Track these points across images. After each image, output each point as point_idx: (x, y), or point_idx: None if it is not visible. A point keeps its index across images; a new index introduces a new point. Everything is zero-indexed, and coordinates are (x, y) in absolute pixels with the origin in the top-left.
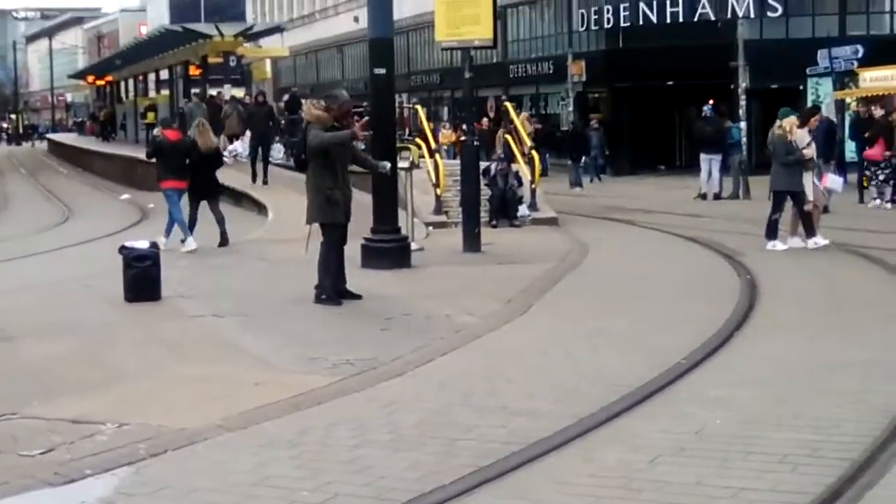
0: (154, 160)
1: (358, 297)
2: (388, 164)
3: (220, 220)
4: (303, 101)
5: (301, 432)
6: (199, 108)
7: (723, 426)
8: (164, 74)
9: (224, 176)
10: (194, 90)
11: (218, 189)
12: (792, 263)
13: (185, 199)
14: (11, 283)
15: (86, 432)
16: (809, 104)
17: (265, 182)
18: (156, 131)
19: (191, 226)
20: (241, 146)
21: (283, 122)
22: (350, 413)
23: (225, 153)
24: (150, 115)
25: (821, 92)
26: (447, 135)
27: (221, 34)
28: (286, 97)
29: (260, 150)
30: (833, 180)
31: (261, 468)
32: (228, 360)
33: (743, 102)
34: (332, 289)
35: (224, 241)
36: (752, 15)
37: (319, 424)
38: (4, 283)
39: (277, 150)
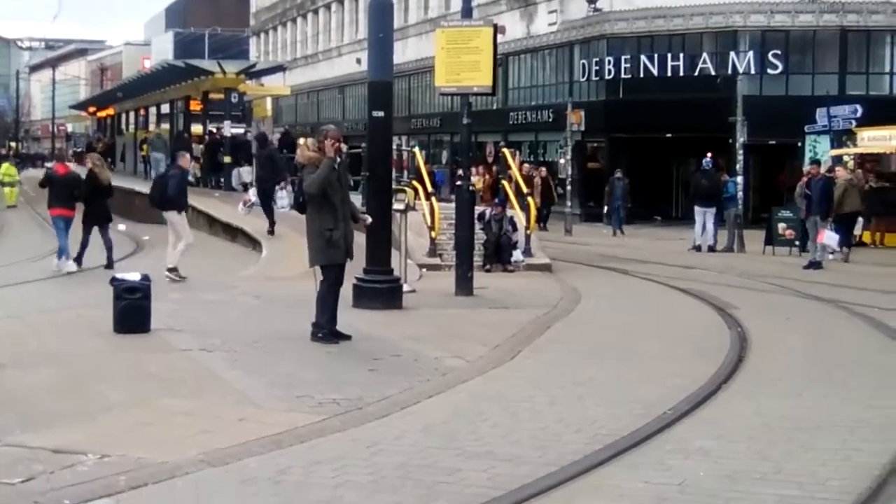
0: (46, 189)
1: (347, 337)
2: (369, 218)
3: (109, 247)
4: (297, 140)
5: (282, 470)
6: (160, 140)
7: (706, 479)
8: (166, 108)
9: (219, 211)
10: (161, 126)
11: (108, 218)
12: (783, 318)
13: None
14: (1, 311)
15: (66, 462)
16: (807, 161)
17: (271, 232)
18: (48, 164)
19: (82, 248)
20: (254, 194)
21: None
22: (332, 452)
23: (240, 204)
24: (146, 148)
25: (819, 149)
26: (477, 181)
27: (224, 71)
28: (277, 135)
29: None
30: (829, 237)
31: None
32: (213, 395)
33: (740, 157)
34: (327, 326)
35: (110, 265)
36: (753, 71)
37: (301, 463)
38: None
39: (282, 199)
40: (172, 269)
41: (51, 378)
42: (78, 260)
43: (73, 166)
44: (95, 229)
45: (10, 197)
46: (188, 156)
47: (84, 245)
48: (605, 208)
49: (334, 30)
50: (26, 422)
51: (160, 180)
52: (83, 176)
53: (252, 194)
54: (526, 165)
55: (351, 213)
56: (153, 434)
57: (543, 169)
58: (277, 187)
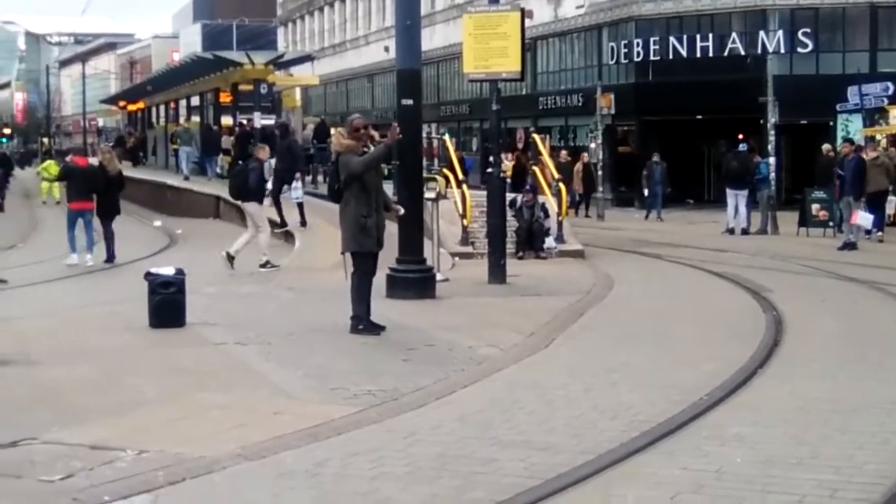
0: (64, 182)
1: (381, 328)
2: (401, 209)
3: (110, 238)
4: (332, 129)
5: (319, 463)
6: (187, 133)
7: (743, 465)
8: (195, 101)
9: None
10: (192, 119)
11: (117, 211)
12: (818, 300)
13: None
14: (37, 308)
15: (105, 458)
16: (839, 140)
17: (303, 223)
18: (68, 158)
19: (107, 241)
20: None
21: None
22: (368, 444)
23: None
24: (177, 141)
25: (850, 128)
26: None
27: (252, 62)
28: (310, 126)
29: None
30: (863, 217)
31: (278, 498)
32: (249, 389)
33: (772, 138)
34: (367, 318)
35: (110, 258)
36: (783, 50)
37: (338, 455)
38: (30, 307)
39: (296, 190)
40: (231, 258)
41: (87, 374)
42: (110, 257)
43: (91, 159)
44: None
45: (53, 192)
46: (267, 148)
47: (108, 237)
48: (646, 192)
49: (361, 18)
50: (64, 418)
51: (241, 172)
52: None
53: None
54: (563, 152)
55: (384, 203)
56: (190, 429)
57: (585, 154)
58: (294, 180)
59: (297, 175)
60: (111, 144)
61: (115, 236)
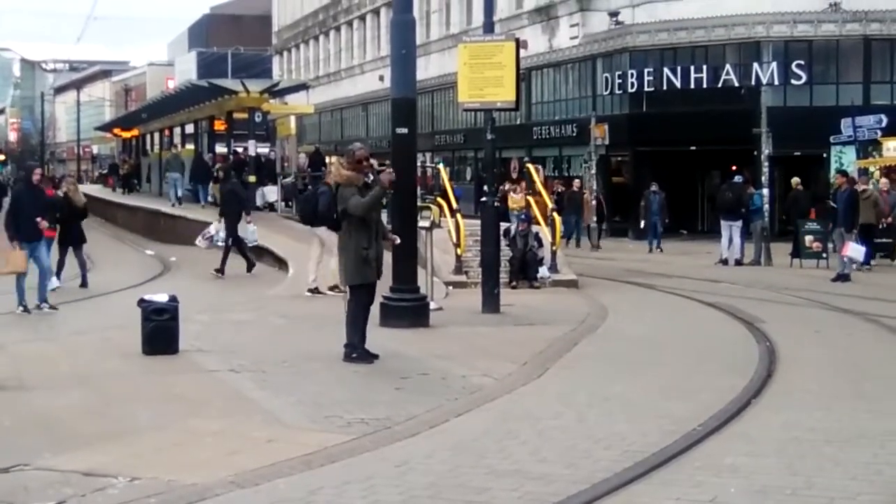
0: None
1: (375, 356)
2: (397, 238)
3: (83, 265)
4: (327, 158)
5: (312, 491)
6: (177, 160)
7: (737, 495)
8: (190, 128)
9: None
10: (186, 146)
11: (83, 240)
12: (812, 331)
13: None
14: (30, 334)
15: (97, 485)
16: (833, 172)
17: (250, 268)
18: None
19: (59, 269)
20: (216, 228)
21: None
22: (362, 472)
23: (199, 237)
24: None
25: (844, 160)
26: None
27: (247, 90)
28: (303, 156)
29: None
30: (854, 249)
31: None
32: (242, 416)
33: (766, 169)
34: (361, 346)
35: (84, 284)
36: (776, 82)
37: (331, 483)
38: (22, 333)
39: (252, 233)
40: (315, 290)
41: (80, 400)
42: (57, 275)
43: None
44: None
45: None
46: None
47: (61, 265)
48: (642, 223)
49: (356, 47)
50: (57, 444)
51: (311, 197)
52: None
53: (213, 228)
54: (576, 181)
55: (381, 232)
56: (183, 456)
57: (577, 181)
58: (244, 221)
59: (247, 217)
60: (104, 172)
61: (86, 264)
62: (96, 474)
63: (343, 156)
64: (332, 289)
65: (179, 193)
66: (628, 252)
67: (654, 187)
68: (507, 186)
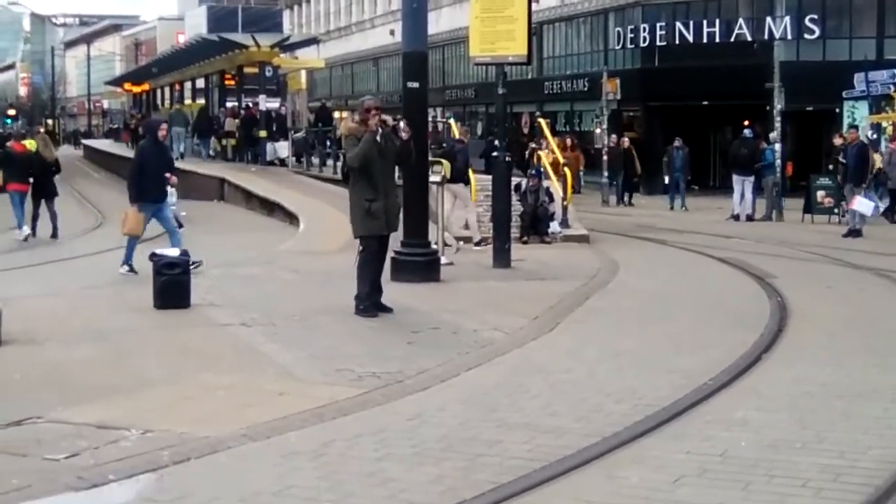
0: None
1: (389, 310)
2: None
3: (54, 217)
4: (336, 113)
5: (324, 443)
6: (180, 115)
7: (747, 449)
8: (201, 83)
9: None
10: (197, 101)
11: (54, 192)
12: (823, 287)
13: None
14: (41, 288)
15: (110, 438)
16: (845, 127)
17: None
18: (8, 143)
19: (34, 220)
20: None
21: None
22: (374, 426)
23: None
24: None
25: (857, 115)
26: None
27: (258, 44)
28: (312, 108)
29: None
30: (861, 203)
31: (283, 478)
32: (254, 370)
33: (778, 124)
34: (368, 299)
35: (55, 234)
36: (789, 36)
37: (343, 436)
38: (34, 287)
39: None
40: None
41: (92, 354)
42: (33, 230)
43: (28, 144)
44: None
45: None
46: (467, 129)
47: (35, 217)
48: (666, 179)
49: (367, 1)
50: (69, 398)
51: (448, 154)
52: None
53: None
54: (613, 136)
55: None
56: (195, 409)
57: (626, 139)
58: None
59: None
60: (115, 127)
61: (57, 216)
62: (109, 427)
63: (353, 111)
64: (477, 244)
65: (182, 148)
66: (641, 207)
67: (677, 142)
68: (533, 144)
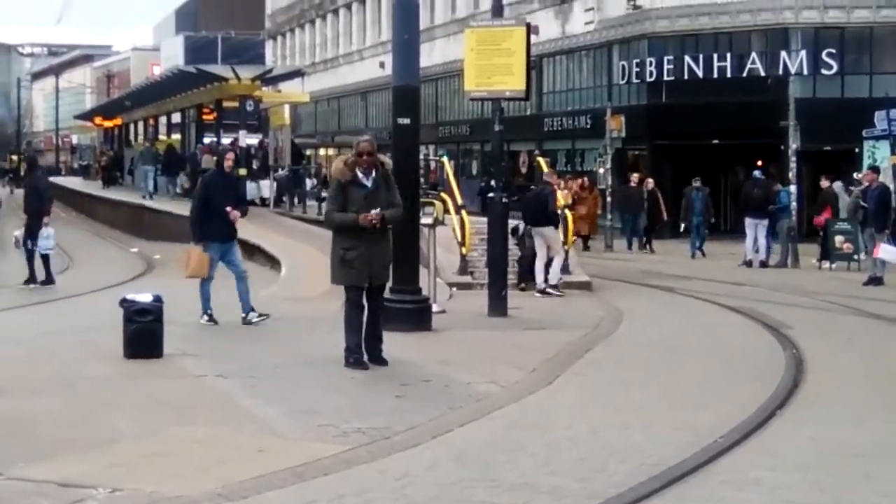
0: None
1: (383, 363)
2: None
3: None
4: (321, 150)
5: None
6: (150, 153)
7: None
8: (177, 118)
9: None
10: (172, 136)
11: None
12: (842, 338)
13: None
14: (2, 335)
15: (75, 497)
16: (865, 168)
17: (48, 280)
18: None
19: None
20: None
21: None
22: (358, 485)
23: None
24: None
25: (878, 156)
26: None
27: (238, 77)
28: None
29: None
30: (886, 250)
31: None
32: (230, 424)
33: (793, 164)
34: (357, 350)
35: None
36: (805, 72)
37: (325, 497)
38: None
39: (47, 239)
40: (554, 286)
41: (58, 406)
42: None
43: None
44: None
45: None
46: (555, 172)
47: None
48: (682, 226)
49: (356, 32)
50: (32, 452)
51: (538, 197)
52: None
53: (19, 232)
54: (635, 175)
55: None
56: (167, 466)
57: (650, 181)
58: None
59: (46, 220)
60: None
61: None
62: (74, 485)
63: (340, 148)
64: (551, 287)
65: (151, 186)
66: (645, 252)
67: (696, 183)
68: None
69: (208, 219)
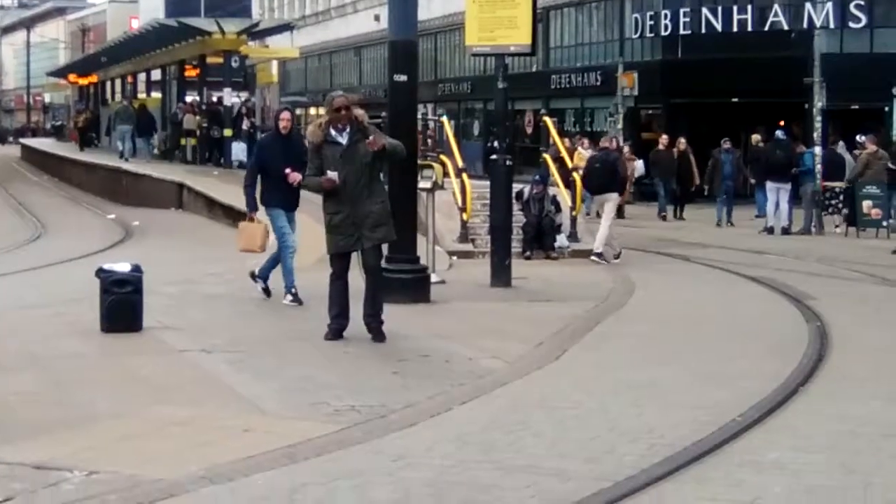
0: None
1: (381, 338)
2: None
3: None
4: (312, 110)
5: (295, 488)
6: (126, 112)
7: (782, 496)
8: (157, 75)
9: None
10: (152, 94)
11: None
12: (870, 310)
13: None
14: None
15: (50, 480)
16: (895, 127)
17: None
18: None
19: None
20: None
21: None
22: (353, 467)
23: None
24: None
25: None
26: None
27: (222, 31)
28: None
29: None
30: None
31: None
32: (215, 403)
33: (818, 125)
34: (334, 320)
35: None
36: (832, 25)
37: (317, 479)
38: None
39: None
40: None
41: (30, 385)
42: None
43: None
44: None
45: None
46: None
47: None
48: (705, 189)
49: None
50: (4, 434)
51: (607, 162)
52: None
53: None
54: (664, 136)
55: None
56: (147, 447)
57: (683, 141)
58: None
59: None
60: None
61: None
62: (48, 467)
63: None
64: (596, 255)
65: (128, 147)
66: (658, 219)
67: (726, 144)
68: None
69: (267, 187)
